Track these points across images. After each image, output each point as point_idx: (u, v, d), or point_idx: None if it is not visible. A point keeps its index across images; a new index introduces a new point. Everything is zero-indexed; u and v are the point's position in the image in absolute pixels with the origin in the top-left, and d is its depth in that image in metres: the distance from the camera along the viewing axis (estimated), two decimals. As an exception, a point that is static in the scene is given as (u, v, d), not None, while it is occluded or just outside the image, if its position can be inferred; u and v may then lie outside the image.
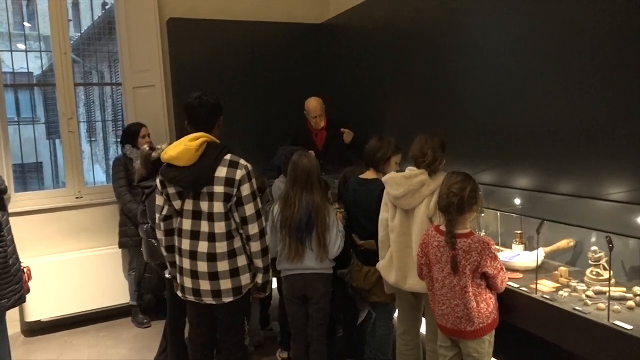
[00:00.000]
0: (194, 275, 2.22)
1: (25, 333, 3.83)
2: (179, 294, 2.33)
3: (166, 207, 2.26)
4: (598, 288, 2.05)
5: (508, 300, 2.13)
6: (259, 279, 2.30)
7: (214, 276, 2.20)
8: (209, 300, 2.24)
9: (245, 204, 2.18)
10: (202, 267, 2.20)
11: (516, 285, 2.16)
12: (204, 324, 2.38)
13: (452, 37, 3.02)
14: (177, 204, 2.22)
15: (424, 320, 2.60)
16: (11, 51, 5.05)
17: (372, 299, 2.74)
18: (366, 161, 2.73)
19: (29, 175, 8.31)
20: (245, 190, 2.18)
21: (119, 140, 4.06)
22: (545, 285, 2.15)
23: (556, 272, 2.24)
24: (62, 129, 4.02)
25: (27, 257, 3.55)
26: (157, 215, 2.30)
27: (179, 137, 2.27)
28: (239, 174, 2.16)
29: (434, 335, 2.32)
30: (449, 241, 2.06)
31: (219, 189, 2.15)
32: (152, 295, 4.07)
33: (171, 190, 2.21)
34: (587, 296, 2.00)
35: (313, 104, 3.78)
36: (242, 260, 2.24)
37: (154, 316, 3.90)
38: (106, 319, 3.96)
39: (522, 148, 2.61)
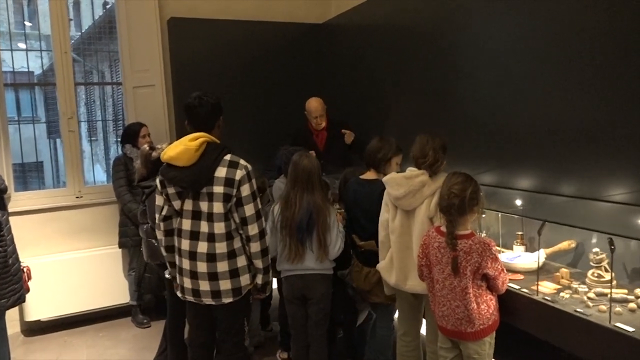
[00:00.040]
0: (193, 275, 2.21)
1: (24, 332, 3.83)
2: (178, 294, 2.33)
3: (166, 207, 2.25)
4: (599, 290, 2.04)
5: (509, 302, 2.12)
6: (259, 280, 2.29)
7: (213, 276, 2.19)
8: (208, 300, 2.23)
9: (245, 204, 2.17)
10: (202, 267, 2.19)
11: (517, 287, 2.15)
12: (204, 325, 2.37)
13: (453, 37, 3.02)
14: (176, 204, 2.22)
15: (424, 321, 2.59)
16: (11, 50, 5.04)
17: (373, 300, 2.73)
18: (367, 161, 2.72)
19: (29, 174, 8.31)
20: (245, 190, 2.17)
21: (119, 139, 4.05)
22: (546, 287, 2.14)
23: (557, 274, 2.23)
24: (62, 128, 4.01)
25: (26, 257, 3.55)
26: (157, 215, 2.29)
27: (179, 137, 2.27)
28: (239, 174, 2.15)
29: (434, 336, 2.31)
30: (449, 242, 2.05)
31: (218, 189, 2.14)
32: (152, 295, 4.07)
33: (170, 190, 2.20)
34: (589, 298, 1.99)
35: (314, 104, 3.78)
36: (241, 261, 2.23)
37: (153, 316, 3.90)
38: (105, 318, 3.96)
39: (522, 148, 2.60)
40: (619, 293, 1.99)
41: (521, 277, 2.29)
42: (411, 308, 2.55)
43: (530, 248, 2.54)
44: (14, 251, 2.76)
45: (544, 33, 2.42)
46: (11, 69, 5.68)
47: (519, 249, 2.56)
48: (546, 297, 2.03)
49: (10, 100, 7.59)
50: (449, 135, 2.46)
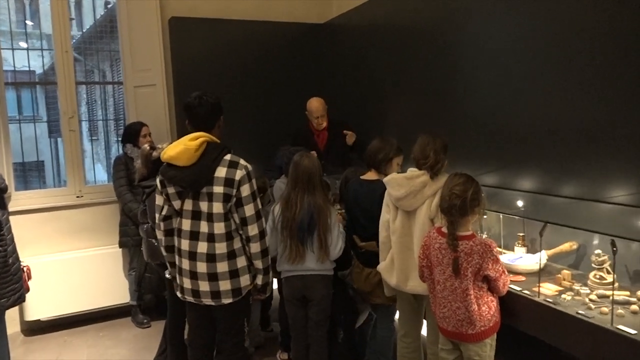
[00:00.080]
0: (193, 275, 2.21)
1: (24, 332, 3.83)
2: (178, 294, 2.32)
3: (166, 207, 2.24)
4: (601, 291, 2.03)
5: (510, 303, 2.12)
6: (259, 280, 2.28)
7: (213, 277, 2.18)
8: (208, 301, 2.22)
9: (245, 205, 2.16)
10: (201, 267, 2.18)
11: (518, 288, 2.14)
12: (203, 325, 2.36)
13: (453, 37, 3.02)
14: (176, 204, 2.21)
15: (425, 322, 2.58)
16: (12, 49, 5.04)
17: (373, 301, 2.72)
18: (367, 162, 2.71)
19: (30, 173, 8.32)
20: (245, 190, 2.16)
21: (120, 139, 4.05)
22: (548, 288, 2.13)
23: (559, 275, 2.22)
24: (62, 128, 4.01)
25: (27, 256, 3.55)
26: (157, 215, 2.28)
27: (179, 137, 2.26)
28: (239, 174, 2.15)
29: (435, 338, 2.30)
30: (450, 243, 2.04)
31: (218, 189, 2.13)
32: (152, 295, 4.06)
33: (170, 190, 2.19)
34: (590, 300, 1.99)
35: (315, 104, 3.77)
36: (241, 261, 2.22)
37: (154, 316, 3.89)
38: (106, 318, 3.95)
39: (523, 149, 2.60)
40: (621, 295, 1.98)
41: (522, 278, 2.28)
42: (412, 309, 2.54)
43: (532, 249, 2.53)
44: (14, 250, 2.75)
45: (544, 33, 2.42)
46: (12, 68, 5.69)
47: (520, 250, 2.55)
48: (548, 299, 2.02)
49: (12, 100, 7.59)
50: (449, 136, 2.45)
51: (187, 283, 2.24)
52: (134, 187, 3.61)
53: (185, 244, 2.21)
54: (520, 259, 2.44)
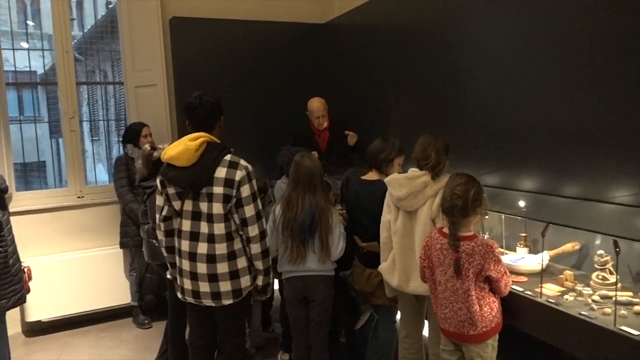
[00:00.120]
0: (193, 276, 2.20)
1: (25, 333, 3.82)
2: (179, 295, 2.31)
3: (166, 208, 2.24)
4: (604, 292, 2.02)
5: (512, 304, 2.11)
6: (259, 281, 2.27)
7: (213, 278, 2.17)
8: (208, 302, 2.21)
9: (245, 205, 2.15)
10: (202, 268, 2.17)
11: (520, 289, 2.13)
12: (204, 326, 2.35)
13: (454, 37, 3.01)
14: (176, 205, 2.20)
15: (426, 323, 2.57)
16: (13, 49, 5.04)
17: (375, 302, 2.71)
18: (369, 162, 2.70)
19: (31, 174, 8.32)
20: (245, 191, 2.14)
21: (121, 139, 4.04)
22: (550, 289, 2.12)
23: (561, 276, 2.21)
24: (63, 128, 4.00)
25: (27, 257, 3.54)
26: (157, 216, 2.28)
27: (180, 137, 2.25)
28: (239, 174, 2.13)
29: (437, 339, 2.29)
30: (452, 244, 2.03)
31: (218, 190, 2.12)
32: (153, 296, 4.05)
33: (171, 191, 2.19)
34: (593, 300, 1.97)
35: (316, 104, 3.76)
36: (241, 262, 2.21)
37: (155, 317, 3.88)
38: (107, 319, 3.95)
39: (523, 149, 2.59)
40: (624, 296, 1.97)
41: (525, 279, 2.27)
42: (413, 310, 2.53)
43: (534, 250, 2.53)
44: (15, 251, 2.75)
45: (544, 33, 2.42)
46: (13, 69, 5.69)
47: (522, 250, 2.54)
48: (550, 300, 2.01)
49: (13, 100, 7.60)
50: (449, 135, 2.44)
51: (187, 284, 2.23)
52: (135, 188, 3.61)
53: (185, 245, 2.20)
54: (523, 259, 2.43)
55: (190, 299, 2.26)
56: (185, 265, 2.21)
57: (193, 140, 2.12)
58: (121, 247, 3.85)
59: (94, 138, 8.92)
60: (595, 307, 1.92)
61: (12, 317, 3.55)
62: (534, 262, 2.35)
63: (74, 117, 3.96)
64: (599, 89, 2.18)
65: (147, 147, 2.98)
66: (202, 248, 2.16)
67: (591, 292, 2.05)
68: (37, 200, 3.89)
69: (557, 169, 2.42)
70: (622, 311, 1.85)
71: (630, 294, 2.00)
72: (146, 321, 3.85)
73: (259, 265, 2.24)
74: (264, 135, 4.18)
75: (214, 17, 4.17)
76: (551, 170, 2.45)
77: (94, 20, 7.43)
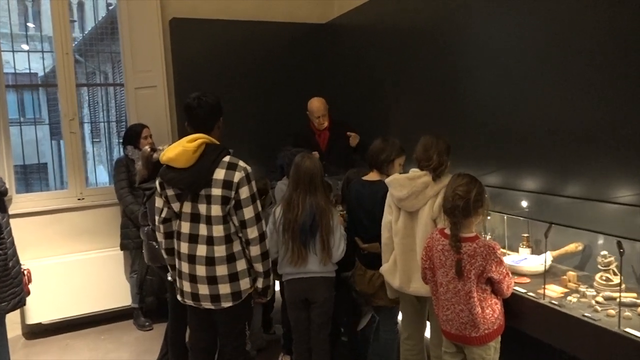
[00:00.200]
0: (193, 279, 2.18)
1: (26, 335, 3.81)
2: (178, 297, 2.30)
3: (165, 209, 2.22)
4: (608, 293, 2.00)
5: (514, 305, 2.09)
6: (259, 284, 2.25)
7: (212, 280, 2.15)
8: (207, 304, 2.20)
9: (244, 207, 2.13)
10: (201, 270, 2.16)
11: (523, 290, 2.11)
12: (204, 329, 2.34)
13: (454, 38, 3.01)
14: (175, 206, 2.19)
15: (428, 324, 2.55)
16: (13, 51, 5.04)
17: (376, 303, 2.69)
18: (369, 162, 2.69)
19: (32, 176, 8.32)
20: (244, 192, 2.12)
21: (121, 141, 4.03)
22: (553, 290, 2.10)
23: (564, 277, 2.19)
24: (63, 130, 4.00)
25: (28, 259, 3.54)
26: (157, 217, 2.26)
27: (180, 138, 2.24)
28: (237, 176, 2.12)
29: (439, 340, 2.28)
30: (453, 245, 2.01)
31: (216, 192, 2.10)
32: (154, 298, 4.04)
33: (170, 192, 2.17)
34: (597, 302, 1.95)
35: (316, 104, 3.75)
36: (241, 265, 2.19)
37: (155, 319, 3.87)
38: (107, 321, 3.94)
39: (524, 148, 2.59)
40: (628, 297, 1.95)
41: (527, 280, 2.25)
42: (415, 311, 2.51)
43: (537, 250, 2.50)
44: (14, 254, 2.74)
45: (544, 33, 2.42)
46: (13, 71, 5.69)
47: (524, 251, 2.52)
48: (553, 301, 1.99)
49: (13, 102, 7.60)
50: (449, 135, 2.43)
51: (186, 286, 2.22)
52: (135, 189, 3.60)
53: (184, 247, 2.19)
54: (525, 260, 2.41)
55: (189, 302, 2.24)
56: (185, 267, 2.20)
57: (191, 141, 2.11)
58: (122, 249, 3.84)
59: (95, 140, 8.92)
60: (599, 308, 1.90)
61: (13, 319, 3.54)
62: (536, 263, 2.33)
63: (74, 118, 3.95)
64: (599, 89, 2.18)
65: (147, 148, 2.97)
66: (201, 250, 2.15)
67: (595, 293, 2.03)
68: (37, 202, 3.88)
69: (557, 168, 2.41)
70: (627, 313, 1.83)
71: (635, 295, 1.98)
72: (147, 323, 3.84)
73: (259, 267, 2.22)
74: (264, 135, 4.17)
75: (214, 18, 4.16)
76: (552, 170, 2.44)
77: (95, 21, 7.42)
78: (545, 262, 2.24)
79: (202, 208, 2.13)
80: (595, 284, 2.10)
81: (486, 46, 2.76)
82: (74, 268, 3.80)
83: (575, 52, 2.26)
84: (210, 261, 2.14)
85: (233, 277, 2.17)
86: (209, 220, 2.13)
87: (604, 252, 2.13)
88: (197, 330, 2.37)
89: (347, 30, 4.23)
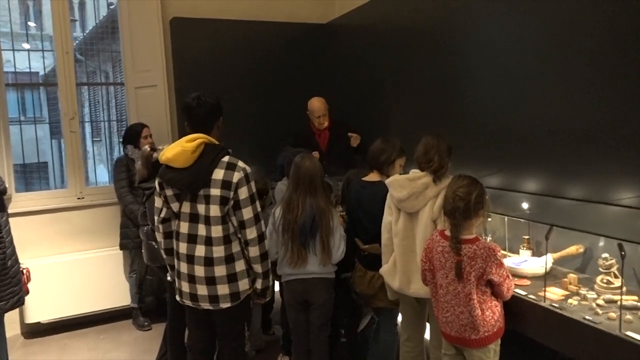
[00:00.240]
0: (191, 279, 2.17)
1: (24, 335, 3.81)
2: (177, 298, 2.29)
3: (164, 209, 2.22)
4: (609, 296, 1.99)
5: (515, 308, 2.07)
6: (258, 285, 2.24)
7: (210, 281, 2.14)
8: (206, 305, 2.19)
9: (243, 207, 2.12)
10: (199, 271, 2.15)
11: (523, 293, 2.10)
12: (202, 329, 2.33)
13: (454, 38, 3.01)
14: (174, 206, 2.18)
15: (428, 326, 2.54)
16: (13, 50, 5.03)
17: (376, 304, 2.68)
18: (370, 163, 2.68)
19: (32, 175, 8.32)
20: (243, 193, 2.11)
21: (121, 140, 4.03)
22: (554, 293, 2.09)
23: (565, 279, 2.18)
24: (63, 129, 3.99)
25: (27, 258, 3.53)
26: (156, 217, 2.26)
27: (180, 138, 2.23)
28: (236, 176, 2.11)
29: (439, 342, 2.27)
30: (453, 246, 2.00)
31: (215, 192, 2.09)
32: (153, 298, 4.04)
33: (169, 192, 2.17)
34: (598, 305, 1.94)
35: (316, 104, 3.74)
36: (240, 265, 2.19)
37: (154, 319, 3.86)
38: (106, 321, 3.93)
39: (524, 149, 2.58)
40: (629, 300, 1.93)
41: (528, 282, 2.23)
42: (415, 313, 2.50)
43: (537, 252, 2.49)
44: (13, 253, 2.74)
45: (544, 33, 2.41)
46: (14, 70, 5.68)
47: (525, 253, 2.51)
48: (553, 304, 1.98)
49: (14, 101, 7.60)
50: (449, 136, 2.43)
51: (185, 287, 2.21)
52: (135, 189, 3.59)
53: (183, 247, 2.18)
54: (525, 262, 2.40)
55: (188, 302, 2.23)
56: (183, 267, 2.19)
57: (190, 141, 2.10)
58: (121, 248, 3.84)
59: (95, 139, 8.92)
60: (599, 311, 1.89)
61: (11, 318, 3.53)
62: (537, 265, 2.32)
63: (74, 118, 3.94)
64: (599, 89, 2.17)
65: (147, 148, 2.97)
66: (200, 250, 2.14)
67: (595, 296, 2.01)
68: (36, 201, 3.87)
69: (558, 169, 2.40)
70: (628, 316, 1.82)
71: (636, 298, 1.97)
72: (146, 323, 3.84)
73: (258, 268, 2.21)
74: (264, 135, 4.16)
75: (214, 18, 4.16)
76: (552, 171, 2.44)
77: (95, 21, 7.41)
78: (546, 264, 2.23)
79: (201, 208, 2.12)
80: (596, 286, 2.09)
81: (486, 46, 2.76)
82: (73, 267, 3.80)
83: (575, 52, 2.25)
84: (208, 262, 2.13)
85: (232, 278, 2.16)
86: (207, 221, 2.12)
87: (605, 255, 2.12)
88: (196, 330, 2.36)
89: (347, 31, 4.22)
